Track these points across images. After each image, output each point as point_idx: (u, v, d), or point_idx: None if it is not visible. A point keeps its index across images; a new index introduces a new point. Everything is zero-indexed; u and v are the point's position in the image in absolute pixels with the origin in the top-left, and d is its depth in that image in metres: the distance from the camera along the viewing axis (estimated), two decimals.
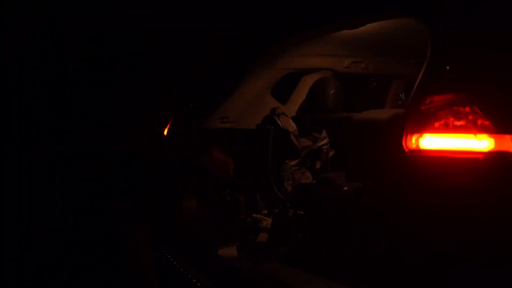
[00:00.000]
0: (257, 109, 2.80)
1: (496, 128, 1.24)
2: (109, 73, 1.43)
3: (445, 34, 1.45)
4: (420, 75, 1.47)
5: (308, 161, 2.49)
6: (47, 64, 1.38)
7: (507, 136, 1.22)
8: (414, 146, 1.39)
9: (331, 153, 2.58)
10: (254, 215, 2.34)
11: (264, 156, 2.37)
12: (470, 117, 1.29)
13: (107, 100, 1.40)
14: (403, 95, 3.84)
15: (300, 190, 2.27)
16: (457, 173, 1.32)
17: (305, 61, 3.01)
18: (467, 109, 1.29)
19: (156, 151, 1.53)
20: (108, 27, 1.42)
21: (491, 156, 1.24)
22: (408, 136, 1.41)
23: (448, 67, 1.41)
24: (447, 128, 1.33)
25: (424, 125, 1.38)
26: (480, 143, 1.26)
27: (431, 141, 1.37)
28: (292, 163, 2.43)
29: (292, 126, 2.46)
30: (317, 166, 2.55)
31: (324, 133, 2.56)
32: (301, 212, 2.07)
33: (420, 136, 1.38)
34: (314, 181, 2.36)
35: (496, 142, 1.24)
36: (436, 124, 1.35)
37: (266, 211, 2.42)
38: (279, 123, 2.43)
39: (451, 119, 1.32)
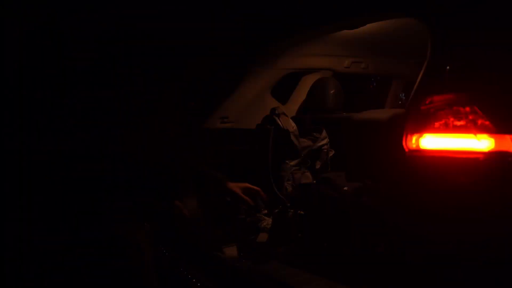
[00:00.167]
0: (257, 109, 2.80)
1: (496, 128, 1.24)
2: (109, 73, 1.43)
3: (445, 34, 1.45)
4: (420, 75, 1.47)
5: (308, 161, 2.49)
6: (47, 64, 1.38)
7: (507, 136, 1.22)
8: (414, 146, 1.39)
9: (331, 153, 2.58)
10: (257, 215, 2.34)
11: (264, 156, 2.37)
12: (470, 117, 1.29)
13: (107, 100, 1.40)
14: (403, 95, 3.84)
15: (300, 190, 2.27)
16: (457, 173, 1.32)
17: (305, 61, 3.01)
18: (467, 109, 1.29)
19: (157, 151, 1.53)
20: (108, 27, 1.42)
21: (491, 156, 1.24)
22: (408, 136, 1.41)
23: (448, 67, 1.41)
24: (447, 128, 1.33)
25: (424, 125, 1.38)
26: (480, 143, 1.26)
27: (431, 141, 1.37)
28: (292, 163, 2.43)
29: (292, 126, 2.46)
30: (317, 166, 2.55)
31: (324, 133, 2.56)
32: (301, 212, 2.07)
33: (420, 136, 1.38)
34: (314, 181, 2.36)
35: (496, 142, 1.24)
36: (436, 124, 1.35)
37: (266, 211, 2.41)
38: (279, 123, 2.42)
39: (451, 119, 1.33)
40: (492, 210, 1.24)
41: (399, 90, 3.75)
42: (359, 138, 2.11)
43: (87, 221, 1.38)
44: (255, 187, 1.88)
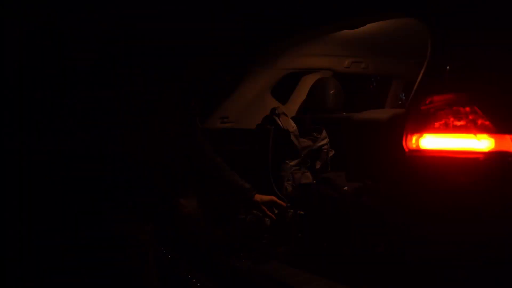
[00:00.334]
0: (257, 109, 2.80)
1: (496, 128, 1.24)
2: (109, 73, 1.43)
3: (445, 34, 1.45)
4: (420, 75, 1.47)
5: (308, 161, 2.49)
6: (47, 64, 1.38)
7: (507, 136, 1.22)
8: (414, 146, 1.39)
9: (331, 153, 2.58)
10: (254, 211, 2.33)
11: (264, 156, 2.37)
12: (470, 117, 1.29)
13: (107, 100, 1.40)
14: (403, 95, 3.84)
15: (300, 190, 2.27)
16: (457, 173, 1.32)
17: (305, 61, 3.01)
18: (467, 109, 1.29)
19: (157, 151, 1.53)
20: (108, 27, 1.42)
21: (491, 156, 1.24)
22: (408, 136, 1.41)
23: (448, 67, 1.41)
24: (447, 128, 1.33)
25: (424, 125, 1.38)
26: (480, 143, 1.26)
27: (431, 141, 1.37)
28: (292, 163, 2.43)
29: (292, 126, 2.46)
30: (317, 166, 2.55)
31: (324, 133, 2.56)
32: (301, 212, 2.07)
33: (420, 136, 1.38)
34: (314, 181, 2.36)
35: (496, 142, 1.24)
36: (436, 124, 1.35)
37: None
38: (279, 123, 2.42)
39: (451, 119, 1.33)
40: (492, 210, 1.24)
41: (399, 90, 3.75)
42: (359, 138, 2.11)
43: (87, 221, 1.38)
44: (282, 203, 1.90)
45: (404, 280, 1.42)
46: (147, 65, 1.48)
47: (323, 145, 2.54)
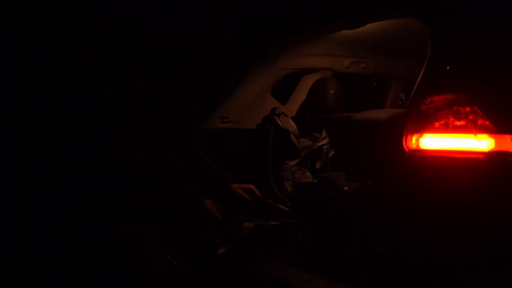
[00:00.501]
0: (257, 109, 2.80)
1: (496, 128, 1.24)
2: (109, 73, 1.43)
3: (445, 34, 1.45)
4: (420, 75, 1.47)
5: (308, 161, 2.49)
6: (47, 64, 1.38)
7: (507, 136, 1.22)
8: (414, 146, 1.39)
9: (331, 153, 2.58)
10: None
11: (264, 156, 2.37)
12: (470, 117, 1.29)
13: (107, 100, 1.40)
14: (403, 95, 3.84)
15: (300, 190, 2.27)
16: (457, 173, 1.32)
17: (305, 61, 3.01)
18: (467, 109, 1.29)
19: (157, 151, 1.53)
20: (108, 27, 1.42)
21: (491, 156, 1.24)
22: (408, 136, 1.41)
23: (448, 67, 1.41)
24: (447, 128, 1.33)
25: (424, 125, 1.38)
26: (480, 143, 1.26)
27: (431, 141, 1.37)
28: (292, 163, 2.43)
29: (292, 126, 2.46)
30: (317, 166, 2.55)
31: (324, 133, 2.56)
32: (301, 212, 2.07)
33: (420, 136, 1.38)
34: (314, 181, 2.36)
35: (496, 142, 1.24)
36: (436, 124, 1.35)
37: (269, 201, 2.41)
38: (279, 123, 2.42)
39: (451, 119, 1.33)
40: (492, 210, 1.24)
41: (399, 90, 3.75)
42: (359, 138, 2.12)
43: (88, 221, 1.38)
44: (258, 193, 1.92)
45: (404, 280, 1.42)
46: (147, 65, 1.48)
47: (323, 145, 2.54)
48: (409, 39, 2.42)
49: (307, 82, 3.12)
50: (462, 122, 1.30)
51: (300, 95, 3.19)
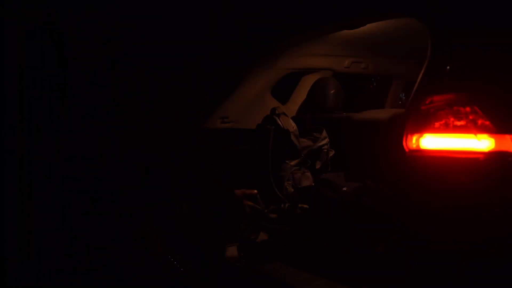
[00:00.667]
0: (257, 109, 2.80)
1: (496, 128, 1.24)
2: (109, 73, 1.43)
3: (445, 34, 1.45)
4: (420, 75, 1.47)
5: (308, 161, 2.49)
6: (47, 64, 1.38)
7: (507, 136, 1.22)
8: (414, 146, 1.39)
9: (331, 153, 2.58)
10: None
11: (264, 156, 2.37)
12: (470, 117, 1.29)
13: (107, 100, 1.40)
14: (403, 95, 3.84)
15: (300, 194, 2.27)
16: (457, 173, 1.31)
17: (305, 61, 3.01)
18: (467, 109, 1.29)
19: (157, 151, 1.53)
20: (108, 27, 1.42)
21: (491, 156, 1.24)
22: (408, 136, 1.41)
23: (448, 67, 1.41)
24: (447, 128, 1.33)
25: (424, 125, 1.38)
26: (480, 143, 1.26)
27: (431, 141, 1.37)
28: (292, 163, 2.43)
29: (292, 126, 2.46)
30: (317, 166, 2.55)
31: (324, 133, 2.56)
32: (302, 212, 2.07)
33: (420, 136, 1.38)
34: (313, 184, 2.36)
35: (496, 142, 1.24)
36: (436, 124, 1.35)
37: (266, 211, 2.41)
38: (279, 123, 2.42)
39: (451, 119, 1.32)
40: (492, 210, 1.24)
41: (399, 90, 3.75)
42: (359, 138, 2.11)
43: (88, 221, 1.38)
44: (250, 191, 1.91)
45: (404, 280, 1.41)
46: (147, 65, 1.48)
47: (323, 145, 2.54)
48: (409, 39, 2.42)
49: (307, 82, 3.12)
50: (462, 122, 1.30)
51: (300, 95, 3.19)
